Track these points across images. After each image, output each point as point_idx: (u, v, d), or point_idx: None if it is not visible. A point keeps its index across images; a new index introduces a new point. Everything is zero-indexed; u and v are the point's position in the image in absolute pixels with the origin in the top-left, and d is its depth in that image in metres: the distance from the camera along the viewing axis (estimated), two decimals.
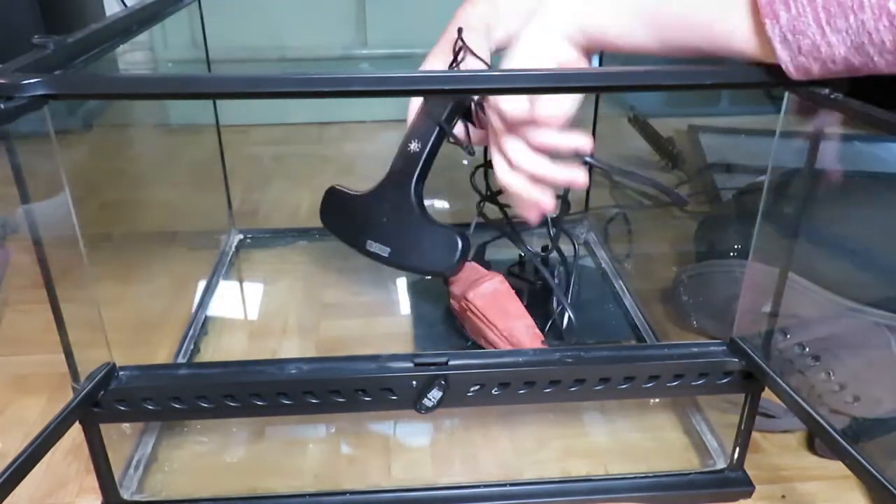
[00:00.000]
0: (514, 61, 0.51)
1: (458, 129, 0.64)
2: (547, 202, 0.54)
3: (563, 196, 0.68)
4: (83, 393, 0.46)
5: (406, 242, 0.66)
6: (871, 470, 0.40)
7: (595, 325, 0.75)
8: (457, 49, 0.62)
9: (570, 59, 0.51)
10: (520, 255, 0.76)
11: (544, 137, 0.52)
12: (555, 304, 0.68)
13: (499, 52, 0.66)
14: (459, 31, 0.62)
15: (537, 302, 0.76)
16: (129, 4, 1.38)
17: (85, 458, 0.55)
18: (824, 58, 0.41)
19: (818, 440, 0.60)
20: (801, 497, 0.56)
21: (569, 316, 0.66)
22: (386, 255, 0.66)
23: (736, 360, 0.51)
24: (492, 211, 0.72)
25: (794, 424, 0.61)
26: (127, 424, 0.58)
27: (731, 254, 0.70)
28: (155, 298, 0.80)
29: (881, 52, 0.39)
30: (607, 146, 0.91)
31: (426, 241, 0.65)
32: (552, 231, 0.69)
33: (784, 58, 0.42)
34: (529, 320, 0.64)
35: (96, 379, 0.47)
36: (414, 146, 0.65)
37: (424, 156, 0.65)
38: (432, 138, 0.65)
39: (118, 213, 1.01)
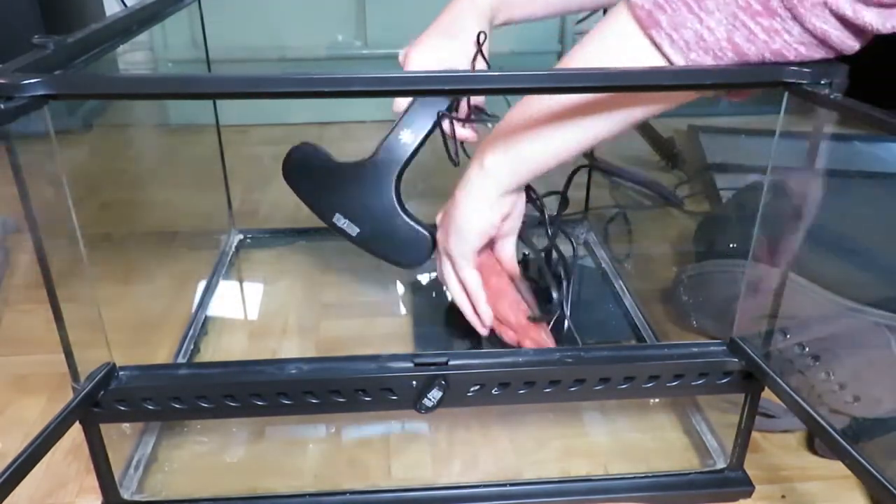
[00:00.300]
0: (460, 219, 0.58)
1: (446, 124, 0.64)
2: (479, 329, 0.64)
3: (563, 193, 0.68)
4: (83, 393, 0.46)
5: (377, 228, 0.65)
6: (871, 470, 0.40)
7: (595, 325, 0.75)
8: (476, 54, 0.62)
9: (510, 205, 0.59)
10: (524, 254, 0.76)
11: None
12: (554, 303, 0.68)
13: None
14: (482, 36, 0.62)
15: (543, 301, 0.76)
16: (129, 4, 1.38)
17: (85, 458, 0.55)
18: (711, 46, 0.42)
19: (818, 440, 0.60)
20: (801, 497, 0.56)
21: (568, 319, 0.66)
22: (354, 234, 0.66)
23: (736, 360, 0.51)
24: None
25: (794, 424, 0.61)
26: (127, 424, 0.58)
27: (730, 254, 0.70)
28: (155, 298, 0.80)
29: (753, 17, 0.41)
30: (607, 146, 0.91)
31: (398, 232, 0.65)
32: (549, 230, 0.68)
33: (679, 61, 0.44)
34: (514, 295, 0.64)
35: (96, 379, 0.47)
36: (406, 134, 0.64)
37: (415, 146, 0.64)
38: (427, 129, 0.64)
39: (118, 213, 1.01)
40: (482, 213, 0.58)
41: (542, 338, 0.63)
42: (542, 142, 0.53)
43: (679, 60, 0.43)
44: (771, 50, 0.42)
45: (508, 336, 0.63)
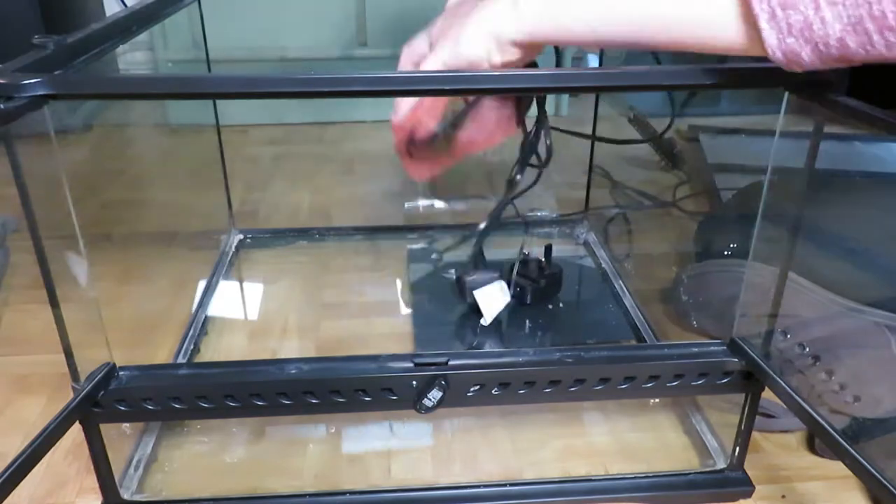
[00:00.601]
0: (444, 55, 0.48)
1: None
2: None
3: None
4: (83, 393, 0.46)
5: None
6: (871, 470, 0.40)
7: (595, 325, 0.75)
8: None
9: (516, 58, 0.47)
10: (525, 255, 0.76)
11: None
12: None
13: None
14: None
15: (541, 300, 0.76)
16: (129, 4, 1.38)
17: (85, 458, 0.55)
18: (816, 38, 0.37)
19: (818, 440, 0.60)
20: (801, 497, 0.56)
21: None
22: None
23: (736, 360, 0.51)
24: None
25: (794, 424, 0.61)
26: (127, 424, 0.58)
27: (729, 254, 0.70)
28: (155, 298, 0.80)
29: (881, 30, 0.35)
30: (607, 146, 0.91)
31: None
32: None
33: (771, 41, 0.38)
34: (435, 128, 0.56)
35: (96, 379, 0.47)
36: None
37: None
38: None
39: (118, 213, 1.01)
40: (486, 49, 0.48)
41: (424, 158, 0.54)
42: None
43: (770, 39, 0.38)
44: (883, 57, 0.37)
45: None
